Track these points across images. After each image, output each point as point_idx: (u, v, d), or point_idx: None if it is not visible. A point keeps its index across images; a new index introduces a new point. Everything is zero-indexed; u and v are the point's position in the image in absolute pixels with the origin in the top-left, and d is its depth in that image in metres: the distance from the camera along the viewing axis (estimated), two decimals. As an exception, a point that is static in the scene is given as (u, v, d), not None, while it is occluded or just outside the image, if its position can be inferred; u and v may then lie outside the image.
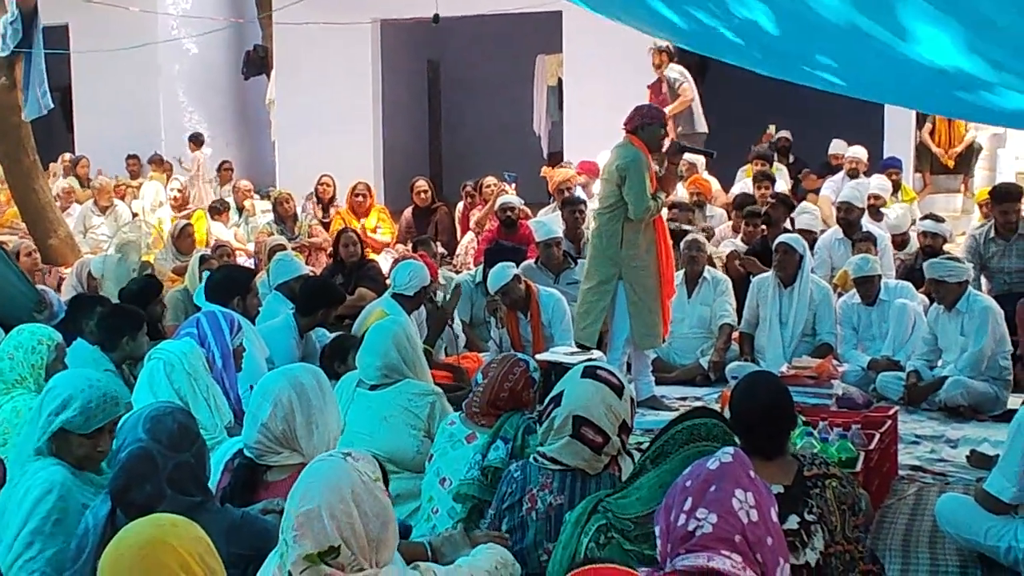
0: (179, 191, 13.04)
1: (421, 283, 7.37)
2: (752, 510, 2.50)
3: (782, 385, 3.72)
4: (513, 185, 11.96)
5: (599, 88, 13.42)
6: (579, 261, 8.77)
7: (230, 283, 6.59)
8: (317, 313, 6.94)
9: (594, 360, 7.03)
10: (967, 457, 6.23)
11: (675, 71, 12.87)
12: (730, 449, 2.63)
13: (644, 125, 7.20)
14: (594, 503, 3.25)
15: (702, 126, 12.90)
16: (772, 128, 13.36)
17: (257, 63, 17.22)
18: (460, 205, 12.42)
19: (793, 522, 3.30)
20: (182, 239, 10.50)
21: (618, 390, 3.69)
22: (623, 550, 3.09)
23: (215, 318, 5.20)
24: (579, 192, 10.94)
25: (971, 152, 13.48)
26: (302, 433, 3.60)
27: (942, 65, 4.41)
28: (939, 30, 4.06)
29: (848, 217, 9.58)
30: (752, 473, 2.57)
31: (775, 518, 2.56)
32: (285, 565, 2.68)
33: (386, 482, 2.87)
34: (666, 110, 11.88)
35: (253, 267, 10.70)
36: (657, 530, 2.60)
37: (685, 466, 2.67)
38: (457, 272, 9.98)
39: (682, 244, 8.78)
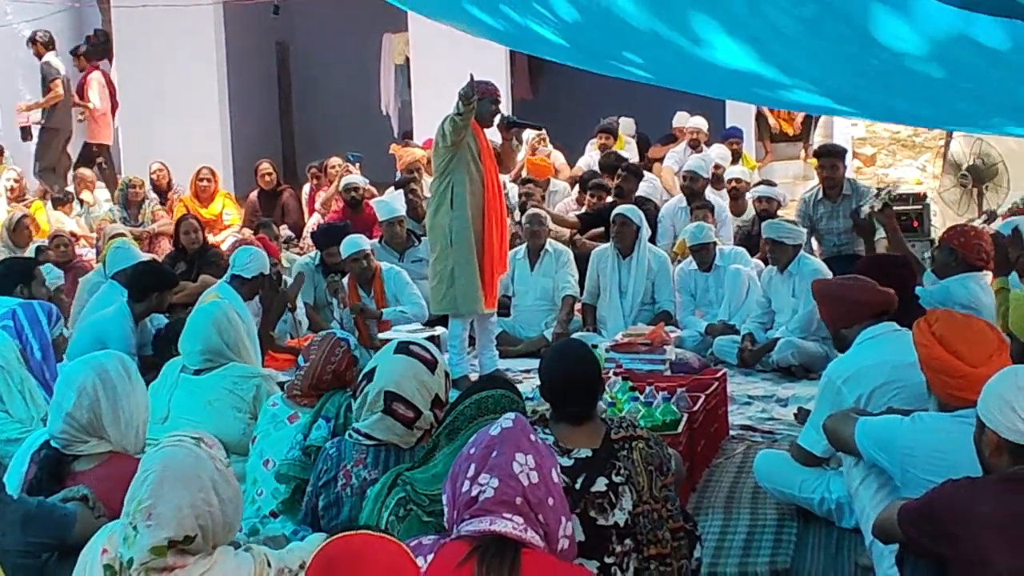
0: (15, 182, 12.63)
1: (260, 268, 7.29)
2: (532, 472, 2.56)
3: (589, 352, 3.77)
4: (358, 165, 11.91)
5: (446, 66, 13.33)
6: (423, 239, 8.80)
7: (7, 273, 6.46)
8: (151, 298, 6.84)
9: (435, 334, 7.12)
10: (795, 415, 6.42)
11: (51, 63, 13.11)
12: (511, 415, 2.68)
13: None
14: (393, 477, 3.28)
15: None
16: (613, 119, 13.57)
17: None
18: (307, 187, 12.33)
19: (601, 484, 3.36)
20: (19, 231, 10.17)
21: (431, 365, 3.73)
22: (421, 522, 3.14)
23: (32, 309, 5.08)
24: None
25: (810, 120, 13.86)
26: (108, 420, 3.54)
27: (739, 68, 4.55)
28: (731, 41, 4.21)
29: (693, 187, 9.79)
30: (533, 436, 2.63)
31: (556, 479, 2.63)
32: (129, 550, 2.66)
33: None
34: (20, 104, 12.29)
35: (94, 256, 10.49)
36: (444, 499, 2.65)
37: (474, 438, 2.72)
38: (302, 254, 9.92)
39: (523, 218, 8.90)
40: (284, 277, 8.02)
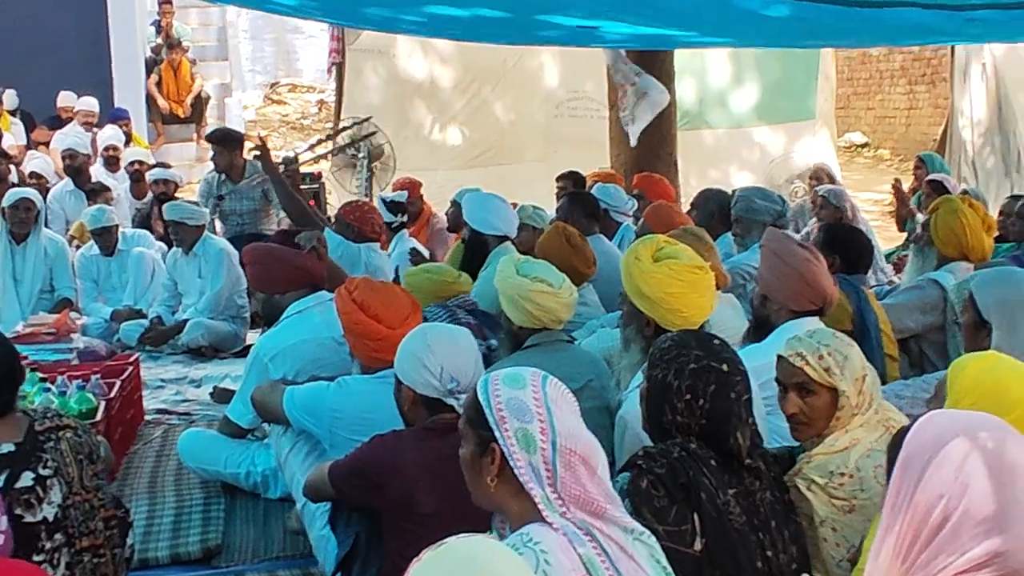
0: None
1: None
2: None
3: (7, 342, 3.58)
4: None
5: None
6: None
7: None
8: None
9: None
10: (211, 394, 6.50)
11: None
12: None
13: None
14: None
15: None
16: None
17: None
18: None
19: (28, 479, 3.22)
20: None
21: None
22: None
23: None
24: None
25: (200, 102, 13.88)
26: None
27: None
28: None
29: (74, 164, 9.47)
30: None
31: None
32: None
33: None
34: None
35: None
36: None
37: None
38: None
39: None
40: None
